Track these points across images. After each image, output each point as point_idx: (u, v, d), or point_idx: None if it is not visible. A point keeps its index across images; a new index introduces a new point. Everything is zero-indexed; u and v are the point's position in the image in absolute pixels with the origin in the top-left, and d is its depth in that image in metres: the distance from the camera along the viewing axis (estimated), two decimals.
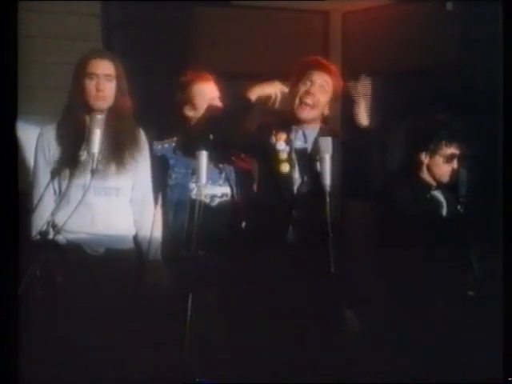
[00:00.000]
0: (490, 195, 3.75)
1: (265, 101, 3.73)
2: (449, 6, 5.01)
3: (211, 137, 3.66)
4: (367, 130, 3.72)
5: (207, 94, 3.81)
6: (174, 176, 3.76)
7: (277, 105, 3.74)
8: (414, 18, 5.10)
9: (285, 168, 3.72)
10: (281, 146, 3.75)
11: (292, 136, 3.76)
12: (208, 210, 3.59)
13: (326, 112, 3.79)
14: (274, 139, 3.77)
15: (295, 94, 3.73)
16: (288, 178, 3.71)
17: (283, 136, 3.76)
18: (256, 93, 3.72)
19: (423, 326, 3.63)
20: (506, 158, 3.32)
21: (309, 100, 3.71)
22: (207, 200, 3.69)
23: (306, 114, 3.73)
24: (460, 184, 3.80)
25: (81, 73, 3.54)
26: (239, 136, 3.72)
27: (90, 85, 3.51)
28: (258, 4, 5.19)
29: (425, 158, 3.88)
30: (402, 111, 5.01)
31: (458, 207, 3.82)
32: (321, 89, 3.73)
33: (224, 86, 3.89)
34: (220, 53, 5.05)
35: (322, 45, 5.42)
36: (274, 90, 3.74)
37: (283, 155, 3.74)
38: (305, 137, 3.76)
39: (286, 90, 3.76)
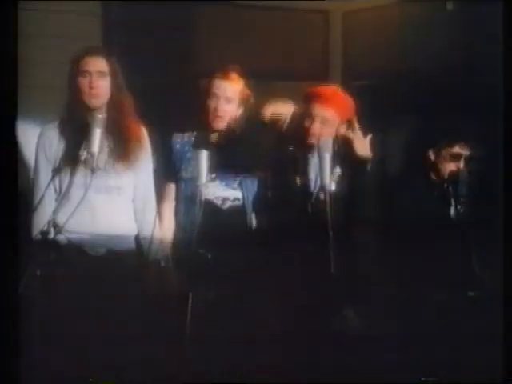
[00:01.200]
0: (491, 195, 3.74)
1: (276, 119, 3.73)
2: (449, 5, 5.01)
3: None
4: (367, 159, 3.72)
5: (218, 90, 3.75)
6: (190, 169, 3.73)
7: (286, 124, 3.74)
8: (414, 17, 5.10)
9: (301, 179, 3.72)
10: (299, 156, 3.75)
11: (309, 152, 3.75)
12: (218, 212, 3.60)
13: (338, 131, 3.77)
14: (292, 150, 3.77)
15: (301, 127, 3.69)
16: (304, 188, 3.71)
17: (300, 149, 3.76)
18: (270, 110, 3.72)
19: (423, 326, 3.63)
20: (506, 158, 3.32)
21: (313, 136, 3.68)
22: (219, 202, 3.69)
23: (313, 143, 3.70)
24: (460, 184, 3.81)
25: (74, 71, 3.54)
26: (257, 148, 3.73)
27: (84, 82, 3.51)
28: (258, 4, 5.19)
29: (432, 155, 3.88)
30: (401, 111, 5.02)
31: (459, 207, 3.82)
32: (323, 123, 3.67)
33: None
34: (219, 52, 5.04)
35: (321, 45, 5.42)
36: (286, 110, 3.74)
37: (301, 166, 3.74)
38: (319, 153, 3.73)
39: (297, 110, 3.75)
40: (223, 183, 3.71)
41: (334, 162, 3.60)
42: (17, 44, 3.11)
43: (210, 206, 3.62)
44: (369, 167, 3.72)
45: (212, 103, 3.72)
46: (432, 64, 5.01)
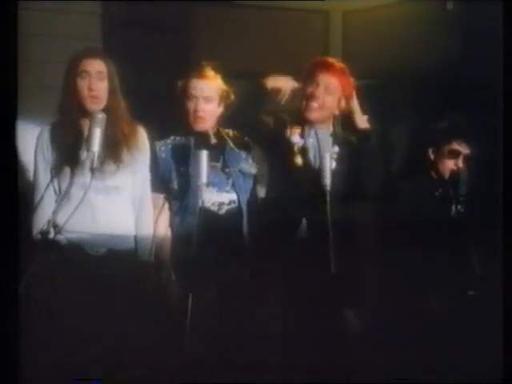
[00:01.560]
0: (491, 194, 3.74)
1: (276, 93, 3.73)
2: (449, 5, 5.02)
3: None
4: (367, 131, 3.73)
5: (195, 91, 3.71)
6: (177, 176, 3.70)
7: (285, 99, 3.74)
8: (414, 17, 5.11)
9: (298, 161, 3.72)
10: (295, 139, 3.75)
11: (305, 133, 3.76)
12: (216, 219, 3.58)
13: (337, 112, 3.78)
14: (288, 133, 3.77)
15: (303, 95, 3.73)
16: (300, 171, 3.71)
17: (297, 130, 3.76)
18: (270, 83, 3.72)
19: (423, 326, 3.63)
20: (506, 158, 3.32)
21: (314, 102, 3.71)
22: (215, 208, 3.65)
23: (313, 115, 3.73)
24: (461, 183, 3.81)
25: (73, 72, 3.50)
26: (255, 126, 3.72)
27: (83, 84, 3.49)
28: (258, 3, 5.19)
29: (431, 154, 3.88)
30: (402, 111, 5.02)
31: (459, 206, 3.81)
32: (326, 91, 3.71)
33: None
34: (219, 52, 5.04)
35: (322, 44, 5.42)
36: (285, 84, 3.74)
37: (297, 148, 3.74)
38: (317, 136, 3.75)
39: (297, 86, 3.76)
40: (215, 188, 3.66)
41: (333, 142, 3.65)
42: (17, 44, 3.12)
43: (206, 213, 3.57)
44: (371, 141, 3.73)
45: (191, 104, 3.68)
46: (432, 64, 5.01)
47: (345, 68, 3.82)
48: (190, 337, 3.28)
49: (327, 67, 3.75)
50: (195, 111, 3.67)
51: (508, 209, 3.24)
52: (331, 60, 3.84)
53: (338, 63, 3.83)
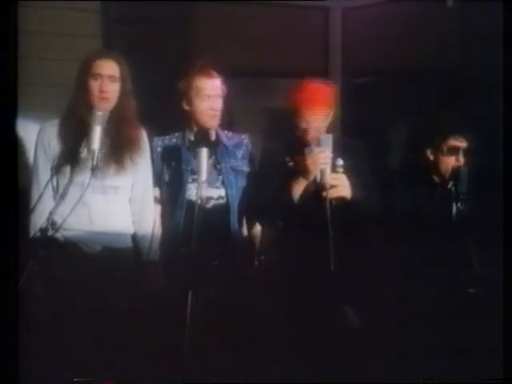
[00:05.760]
0: (491, 192, 3.74)
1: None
2: (449, 2, 5.02)
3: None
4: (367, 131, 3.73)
5: (204, 89, 3.76)
6: (173, 171, 3.76)
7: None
8: (414, 14, 5.11)
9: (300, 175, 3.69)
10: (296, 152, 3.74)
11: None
12: (202, 211, 3.59)
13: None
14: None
15: (304, 126, 3.66)
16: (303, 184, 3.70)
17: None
18: None
19: (423, 324, 3.64)
20: (506, 156, 3.33)
21: (316, 124, 3.66)
22: (202, 202, 3.67)
23: (317, 134, 3.67)
24: (461, 181, 3.80)
25: (85, 73, 3.54)
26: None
27: (94, 85, 3.51)
28: (257, 1, 5.19)
29: (430, 154, 3.88)
30: (401, 109, 5.02)
31: (459, 204, 3.81)
32: (325, 120, 3.68)
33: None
34: (219, 49, 5.05)
35: (321, 41, 5.42)
36: None
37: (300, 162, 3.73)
38: (318, 142, 3.72)
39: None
40: (206, 183, 3.64)
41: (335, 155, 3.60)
42: (17, 41, 3.12)
43: (193, 206, 3.57)
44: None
45: (206, 103, 3.73)
46: (432, 61, 5.01)
47: (322, 85, 3.75)
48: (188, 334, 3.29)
49: (319, 100, 3.66)
50: (210, 109, 3.74)
51: (509, 207, 3.24)
52: (310, 88, 3.70)
53: (316, 85, 3.74)
